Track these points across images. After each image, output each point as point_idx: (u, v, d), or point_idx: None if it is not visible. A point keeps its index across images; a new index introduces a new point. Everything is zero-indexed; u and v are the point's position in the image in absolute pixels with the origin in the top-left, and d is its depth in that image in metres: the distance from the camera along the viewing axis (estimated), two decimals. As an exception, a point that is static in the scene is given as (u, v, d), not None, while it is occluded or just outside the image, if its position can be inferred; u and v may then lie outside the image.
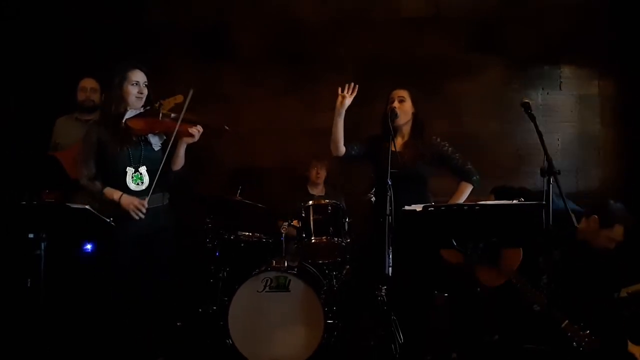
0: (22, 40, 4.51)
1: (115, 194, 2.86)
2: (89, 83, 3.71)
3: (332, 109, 4.58)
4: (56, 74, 4.42)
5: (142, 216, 2.85)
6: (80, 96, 3.68)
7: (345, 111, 4.69)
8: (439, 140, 3.28)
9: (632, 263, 3.89)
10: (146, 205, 2.86)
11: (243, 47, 4.70)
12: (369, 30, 4.63)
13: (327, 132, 4.58)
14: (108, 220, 2.65)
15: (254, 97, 4.66)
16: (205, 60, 4.68)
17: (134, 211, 2.83)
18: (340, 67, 4.63)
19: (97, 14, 4.64)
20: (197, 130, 2.92)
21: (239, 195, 3.85)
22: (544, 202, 2.65)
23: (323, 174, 4.27)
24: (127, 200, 2.85)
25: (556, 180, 2.72)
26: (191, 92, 2.92)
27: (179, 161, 3.01)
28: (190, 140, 2.95)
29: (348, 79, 4.56)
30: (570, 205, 3.09)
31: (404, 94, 3.27)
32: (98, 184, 2.88)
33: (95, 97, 3.68)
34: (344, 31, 4.65)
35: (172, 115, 2.92)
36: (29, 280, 2.77)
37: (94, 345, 3.04)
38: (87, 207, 2.54)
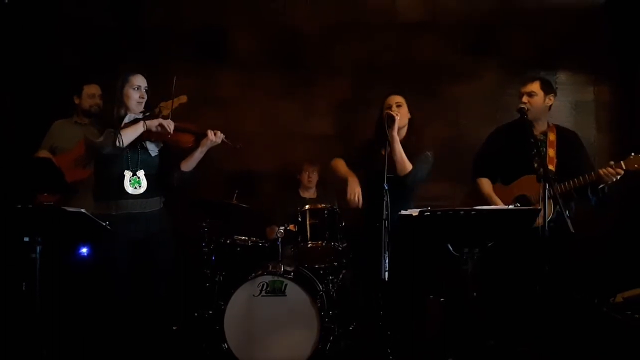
0: (20, 42, 4.51)
1: (135, 127, 2.86)
2: (95, 89, 3.68)
3: (327, 113, 4.63)
4: (54, 77, 4.41)
5: (172, 130, 2.88)
6: (88, 102, 3.64)
7: (341, 115, 4.74)
8: (429, 154, 3.27)
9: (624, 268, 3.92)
10: (173, 124, 2.89)
11: (240, 51, 4.70)
12: (365, 35, 4.64)
13: (323, 136, 4.64)
14: (104, 224, 2.64)
15: (251, 101, 4.66)
16: (202, 63, 4.68)
17: (167, 126, 2.86)
18: (337, 71, 4.64)
19: (95, 16, 4.64)
20: (190, 140, 2.97)
21: (235, 200, 3.85)
22: (539, 208, 2.66)
23: (315, 177, 4.28)
24: (152, 122, 2.87)
25: (552, 186, 2.74)
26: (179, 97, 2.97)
27: (191, 163, 3.02)
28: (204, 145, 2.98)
29: (344, 84, 4.63)
30: None
31: (400, 100, 3.29)
32: (110, 134, 2.84)
33: (100, 103, 3.65)
34: (341, 36, 4.66)
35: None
36: (24, 284, 2.75)
37: (90, 350, 3.03)
38: (82, 210, 2.53)
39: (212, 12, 4.71)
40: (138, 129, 2.87)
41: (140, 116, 2.95)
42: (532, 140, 3.21)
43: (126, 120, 2.91)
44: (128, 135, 2.85)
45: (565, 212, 2.72)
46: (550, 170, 3.14)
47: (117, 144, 2.81)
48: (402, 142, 3.17)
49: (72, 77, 3.87)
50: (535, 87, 3.28)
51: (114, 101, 2.94)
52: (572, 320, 3.32)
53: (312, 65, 4.67)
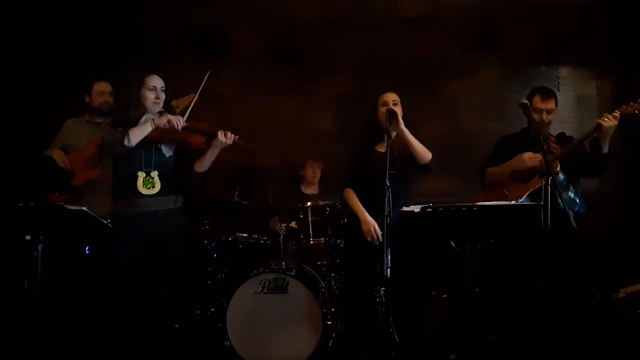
0: (20, 41, 4.50)
1: (144, 126, 2.91)
2: (105, 87, 3.65)
3: (328, 109, 4.63)
4: (55, 76, 4.41)
5: (181, 125, 2.91)
6: (98, 100, 3.60)
7: (342, 111, 4.71)
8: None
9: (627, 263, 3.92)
10: (183, 119, 2.92)
11: (240, 48, 4.69)
12: (366, 30, 4.63)
13: (324, 131, 4.63)
14: (105, 222, 2.65)
15: (251, 98, 4.65)
16: (203, 62, 4.66)
17: (176, 122, 2.89)
18: (337, 67, 4.63)
19: (96, 16, 4.63)
20: (201, 141, 3.00)
21: (236, 196, 3.84)
22: (541, 203, 2.65)
23: (319, 172, 4.27)
24: (161, 120, 2.91)
25: (554, 181, 2.73)
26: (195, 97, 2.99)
27: (204, 164, 3.06)
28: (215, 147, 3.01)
29: (345, 80, 4.62)
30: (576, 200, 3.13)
31: (396, 98, 3.29)
32: (119, 133, 2.90)
33: (111, 100, 3.64)
34: (341, 31, 4.65)
35: (185, 124, 2.98)
36: (26, 282, 2.75)
37: (92, 348, 3.04)
38: (84, 208, 2.54)
39: (212, 10, 4.71)
40: (146, 128, 2.92)
41: (158, 116, 2.97)
42: (534, 134, 3.21)
43: (142, 121, 2.95)
44: (136, 134, 2.89)
45: (566, 206, 2.71)
46: (554, 147, 3.20)
47: (126, 143, 2.86)
48: (395, 140, 3.16)
49: (73, 76, 3.86)
50: (552, 104, 3.33)
51: (131, 103, 2.99)
52: (575, 315, 3.31)
53: (312, 61, 4.66)
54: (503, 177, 3.29)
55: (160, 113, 3.00)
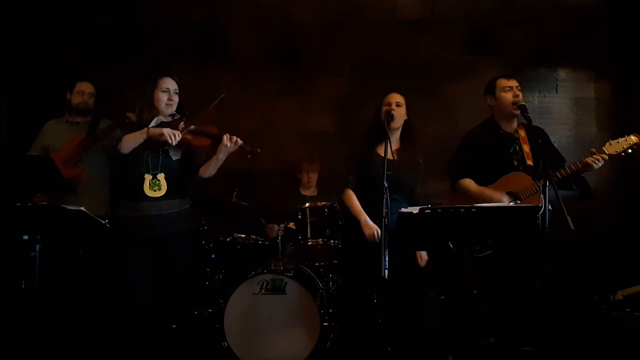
0: (20, 41, 4.50)
1: (138, 133, 2.89)
2: (86, 87, 3.66)
3: (327, 111, 4.63)
4: (50, 76, 4.40)
5: (175, 141, 2.85)
6: (77, 99, 3.62)
7: (341, 113, 4.71)
8: (421, 162, 3.30)
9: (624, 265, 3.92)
10: (180, 134, 2.87)
11: (239, 49, 4.69)
12: (364, 33, 4.63)
13: (323, 133, 4.63)
14: (103, 222, 2.64)
15: (250, 99, 4.64)
16: (201, 62, 4.67)
17: (169, 135, 2.84)
18: (336, 69, 4.63)
19: (93, 14, 4.63)
20: (207, 144, 2.98)
21: (234, 197, 3.84)
22: (539, 205, 2.65)
23: (314, 177, 4.26)
24: (155, 130, 2.88)
25: (552, 183, 2.73)
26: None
27: (210, 170, 3.02)
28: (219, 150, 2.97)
29: (343, 82, 4.62)
30: None
31: (401, 99, 3.27)
32: (115, 138, 2.93)
33: (91, 101, 3.65)
34: (340, 33, 4.65)
35: (192, 127, 2.95)
36: (23, 282, 2.75)
37: (89, 348, 3.03)
38: (82, 208, 2.53)
39: (211, 11, 4.71)
40: (139, 138, 2.90)
41: (170, 119, 2.97)
42: (507, 137, 3.19)
43: (153, 123, 2.95)
44: (129, 143, 2.89)
45: (564, 209, 2.71)
46: (530, 165, 3.13)
47: (121, 151, 2.88)
48: (395, 144, 3.16)
49: (72, 76, 3.86)
50: (516, 81, 3.26)
51: (144, 105, 2.99)
52: (573, 318, 3.32)
53: (311, 62, 4.66)
54: (476, 198, 3.18)
55: (173, 116, 2.99)
